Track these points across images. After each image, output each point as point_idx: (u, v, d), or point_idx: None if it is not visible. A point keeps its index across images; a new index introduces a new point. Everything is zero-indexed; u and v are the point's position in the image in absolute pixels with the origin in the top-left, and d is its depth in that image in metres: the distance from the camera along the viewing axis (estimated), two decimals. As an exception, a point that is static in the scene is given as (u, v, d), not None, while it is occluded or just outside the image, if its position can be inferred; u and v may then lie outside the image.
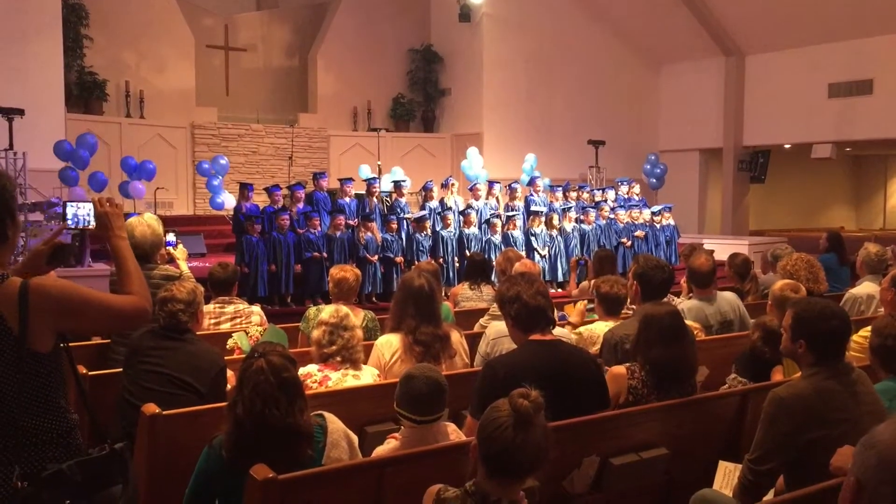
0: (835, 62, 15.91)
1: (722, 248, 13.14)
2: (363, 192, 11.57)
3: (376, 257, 10.37)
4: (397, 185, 11.86)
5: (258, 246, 9.74)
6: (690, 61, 18.19)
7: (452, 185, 11.98)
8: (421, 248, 10.65)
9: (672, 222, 13.62)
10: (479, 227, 11.34)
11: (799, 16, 15.47)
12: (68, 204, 8.47)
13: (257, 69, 17.11)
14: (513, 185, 12.37)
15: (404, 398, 3.01)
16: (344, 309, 3.96)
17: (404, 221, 10.99)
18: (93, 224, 2.86)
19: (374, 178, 11.65)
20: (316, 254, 10.01)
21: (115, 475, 2.19)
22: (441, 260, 10.71)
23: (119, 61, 14.83)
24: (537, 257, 11.41)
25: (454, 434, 3.12)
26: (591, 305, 5.60)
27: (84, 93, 14.12)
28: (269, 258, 9.79)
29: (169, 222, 12.82)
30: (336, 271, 5.11)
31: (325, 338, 3.82)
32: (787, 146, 17.81)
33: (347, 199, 11.31)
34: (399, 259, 10.49)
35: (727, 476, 3.33)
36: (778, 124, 16.95)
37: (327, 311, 3.94)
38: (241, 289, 9.57)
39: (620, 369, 3.65)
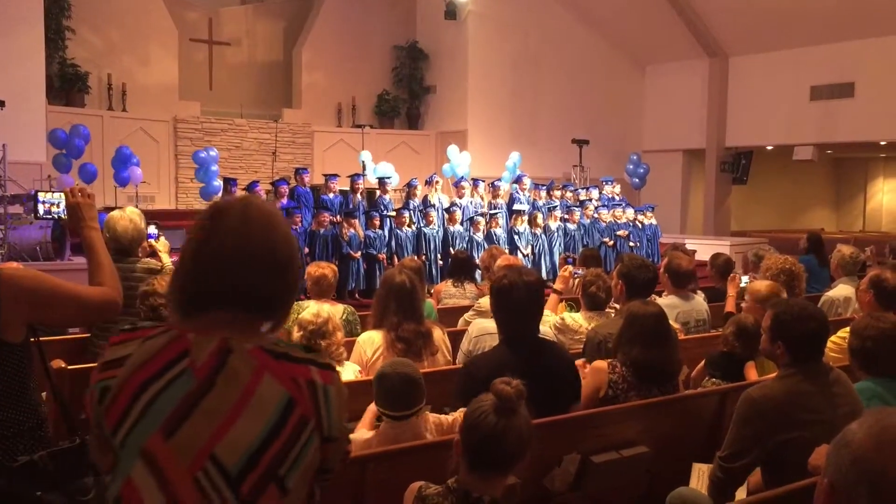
0: (817, 65, 16.05)
1: (703, 249, 13.28)
2: (347, 188, 11.54)
3: (359, 253, 10.35)
4: (381, 181, 11.84)
5: (240, 241, 9.68)
6: (675, 62, 18.28)
7: (437, 182, 11.99)
8: (400, 244, 10.63)
9: (654, 222, 13.68)
10: (463, 225, 11.35)
11: (782, 18, 15.58)
12: (38, 196, 8.26)
13: (241, 63, 17.01)
14: (495, 183, 12.37)
15: (379, 395, 3.02)
16: (325, 312, 3.91)
17: (387, 218, 10.98)
18: (64, 215, 2.84)
19: (357, 175, 11.62)
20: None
21: (86, 466, 2.18)
22: (424, 257, 10.71)
23: (101, 54, 14.70)
24: (520, 255, 11.42)
25: (434, 423, 3.11)
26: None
27: (66, 85, 13.99)
28: (251, 254, 9.73)
29: (151, 216, 12.92)
30: (314, 269, 5.07)
31: (303, 343, 3.80)
32: (769, 148, 17.95)
33: (332, 196, 11.28)
34: (381, 255, 10.48)
35: (700, 477, 3.36)
36: (760, 126, 17.09)
37: (308, 313, 3.90)
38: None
39: (602, 364, 3.67)
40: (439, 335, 4.28)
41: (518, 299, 3.25)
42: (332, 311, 4.09)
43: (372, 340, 4.12)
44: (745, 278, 6.76)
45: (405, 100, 17.98)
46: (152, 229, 4.93)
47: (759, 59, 17.03)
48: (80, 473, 2.17)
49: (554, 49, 17.43)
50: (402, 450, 2.81)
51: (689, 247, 14.60)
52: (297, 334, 3.87)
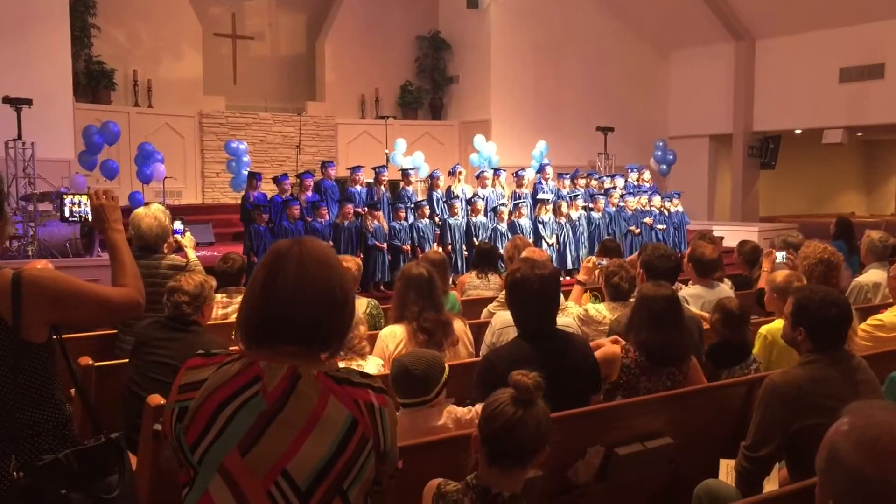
0: (846, 46, 15.75)
1: (731, 235, 13.13)
2: (372, 179, 11.56)
3: (385, 245, 10.37)
4: (405, 173, 11.84)
5: (265, 235, 9.75)
6: (700, 46, 18.05)
7: (459, 173, 11.96)
8: (423, 236, 10.63)
9: (681, 209, 13.55)
10: (486, 216, 11.32)
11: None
12: (64, 197, 8.46)
13: (265, 57, 17.10)
14: (519, 173, 12.32)
15: (391, 381, 3.03)
16: None
17: (411, 209, 10.99)
18: (89, 217, 2.88)
19: (382, 167, 11.63)
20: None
21: (111, 464, 2.21)
22: (449, 248, 10.71)
23: (126, 50, 14.85)
24: (545, 245, 11.38)
25: (452, 414, 3.11)
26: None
27: (92, 82, 14.15)
28: (276, 247, 9.79)
29: (177, 211, 13.06)
30: (338, 262, 5.08)
31: None
32: (797, 132, 17.68)
33: (358, 188, 11.31)
34: (406, 247, 10.48)
35: (729, 472, 3.33)
36: (788, 109, 16.83)
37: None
38: (248, 278, 9.63)
39: (615, 348, 3.66)
40: (460, 326, 4.28)
41: (532, 292, 3.23)
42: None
43: (394, 334, 4.13)
44: (779, 255, 6.67)
45: (428, 90, 17.96)
46: (178, 225, 4.98)
47: (786, 42, 16.76)
48: (105, 472, 2.19)
49: (577, 36, 17.29)
50: (420, 444, 2.81)
51: (716, 233, 14.41)
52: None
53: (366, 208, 10.66)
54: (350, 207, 10.36)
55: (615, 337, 3.77)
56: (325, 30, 17.21)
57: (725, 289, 5.51)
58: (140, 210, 4.52)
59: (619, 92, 17.75)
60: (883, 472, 1.37)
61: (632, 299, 4.94)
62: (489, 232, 11.03)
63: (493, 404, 2.22)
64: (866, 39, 15.44)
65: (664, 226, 12.97)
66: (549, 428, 2.20)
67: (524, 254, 5.47)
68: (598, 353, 3.55)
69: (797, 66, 16.58)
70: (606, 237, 11.69)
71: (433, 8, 18.04)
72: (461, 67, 17.71)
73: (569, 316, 5.02)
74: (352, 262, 5.15)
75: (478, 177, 12.20)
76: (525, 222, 11.42)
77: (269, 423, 1.65)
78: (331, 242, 10.05)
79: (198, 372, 1.75)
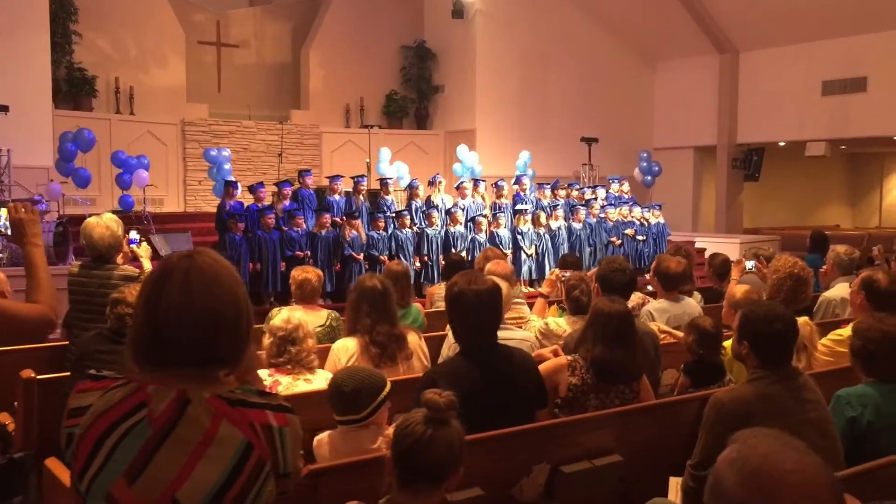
0: (829, 59, 15.83)
1: (714, 247, 13.12)
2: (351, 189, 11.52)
3: (361, 255, 10.31)
4: (384, 182, 11.80)
5: (241, 244, 9.69)
6: (685, 58, 18.10)
7: (439, 182, 11.92)
8: (401, 246, 10.58)
9: (662, 220, 13.55)
10: (465, 226, 11.28)
11: (792, 12, 15.38)
12: None
13: (249, 65, 17.04)
14: (499, 183, 12.29)
15: (329, 396, 2.97)
16: (296, 318, 3.86)
17: (390, 219, 10.94)
18: (6, 230, 2.82)
19: (361, 177, 11.58)
20: (299, 252, 9.95)
21: (14, 486, 2.15)
22: (426, 258, 10.67)
23: (109, 57, 14.77)
24: (524, 256, 11.35)
25: (388, 438, 3.05)
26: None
27: (73, 89, 14.06)
28: (252, 257, 9.74)
29: (158, 219, 13.03)
30: (298, 272, 5.03)
31: (273, 349, 3.76)
32: (781, 144, 17.73)
33: (337, 197, 11.26)
34: (384, 257, 10.43)
35: (678, 491, 3.29)
36: (772, 122, 16.89)
37: (279, 319, 3.85)
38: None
39: (561, 360, 3.61)
40: (415, 340, 4.23)
41: (469, 307, 3.17)
42: (304, 318, 4.03)
43: (346, 347, 4.06)
44: (749, 263, 6.67)
45: (413, 100, 17.94)
46: (134, 235, 4.91)
47: (769, 55, 16.83)
48: (9, 493, 2.14)
49: (562, 47, 17.31)
50: (340, 465, 2.75)
51: (699, 245, 14.47)
52: (267, 340, 3.83)
53: (343, 217, 10.62)
54: (327, 217, 10.32)
55: (555, 348, 3.73)
56: (311, 38, 17.18)
57: (692, 303, 5.48)
58: (91, 220, 4.46)
59: (604, 103, 17.77)
60: None
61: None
62: (467, 242, 10.99)
63: (404, 423, 2.17)
64: (849, 52, 15.51)
65: (644, 237, 12.96)
66: (462, 448, 2.14)
67: (487, 266, 5.43)
68: (542, 367, 3.50)
69: (780, 79, 16.65)
70: (589, 246, 11.72)
71: (419, 17, 18.05)
72: (446, 77, 17.70)
73: (531, 329, 4.99)
74: (312, 274, 5.08)
75: (457, 187, 12.16)
76: (504, 233, 11.38)
77: (156, 450, 1.59)
78: (308, 251, 9.98)
79: (85, 397, 1.69)
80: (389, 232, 10.72)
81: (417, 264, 10.68)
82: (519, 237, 11.50)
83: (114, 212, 13.04)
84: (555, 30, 17.15)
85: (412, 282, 9.96)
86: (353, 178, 11.61)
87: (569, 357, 3.65)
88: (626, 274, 4.09)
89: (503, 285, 4.61)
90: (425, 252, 10.76)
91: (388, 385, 3.13)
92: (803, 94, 16.29)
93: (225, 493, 1.59)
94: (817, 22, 15.34)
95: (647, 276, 6.39)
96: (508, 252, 11.33)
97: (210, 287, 1.68)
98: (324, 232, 10.21)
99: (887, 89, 15.04)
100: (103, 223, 4.43)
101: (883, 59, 15.07)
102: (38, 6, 12.20)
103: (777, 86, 16.71)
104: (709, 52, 17.56)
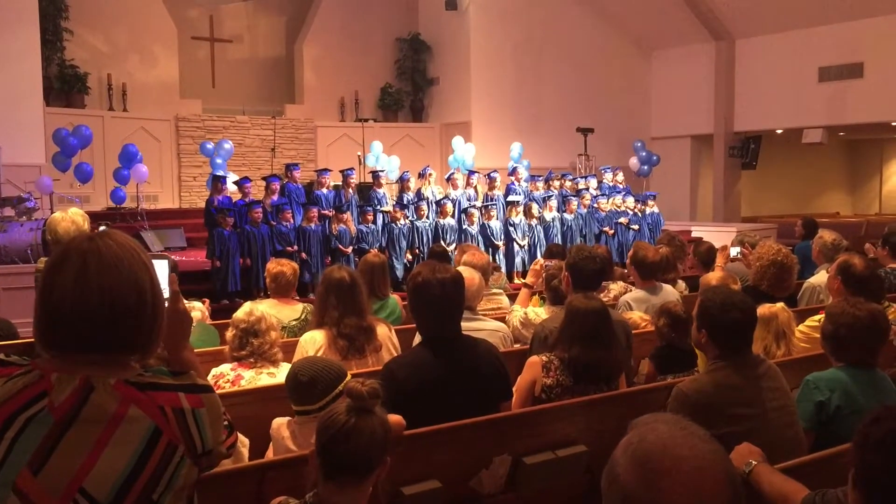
0: (825, 45, 15.70)
1: (711, 236, 13.02)
2: (340, 182, 11.48)
3: (350, 249, 10.27)
4: (375, 175, 11.76)
5: (230, 240, 9.66)
6: (680, 47, 17.99)
7: (430, 174, 11.87)
8: (393, 239, 10.54)
9: (656, 210, 13.48)
10: (457, 218, 11.23)
11: (788, -1, 15.29)
12: None
13: (243, 60, 17.00)
14: (492, 175, 12.23)
15: (286, 385, 2.93)
16: (258, 311, 3.81)
17: (380, 212, 10.90)
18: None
19: (349, 170, 11.53)
20: (288, 247, 9.91)
21: None
22: (416, 250, 10.62)
23: (101, 54, 14.73)
24: (516, 248, 11.30)
25: None
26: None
27: (65, 86, 14.03)
28: (241, 252, 9.71)
29: (151, 216, 13.01)
30: (273, 266, 5.00)
31: (236, 342, 3.73)
32: (778, 131, 17.62)
33: (325, 191, 11.21)
34: (374, 251, 10.38)
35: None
36: (769, 109, 16.78)
37: (241, 311, 3.81)
38: (212, 283, 9.55)
39: (536, 360, 3.56)
40: (384, 332, 4.19)
41: (432, 297, 3.11)
42: (271, 311, 4.00)
43: (314, 340, 4.03)
44: (734, 250, 6.65)
45: (408, 92, 17.87)
46: (103, 229, 4.87)
47: (765, 41, 16.70)
48: None
49: (557, 37, 17.22)
50: (300, 458, 2.71)
51: (695, 234, 14.38)
52: (229, 333, 3.79)
53: (332, 211, 10.57)
54: (315, 211, 10.27)
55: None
56: (304, 32, 17.12)
57: (671, 291, 5.42)
58: (57, 214, 4.43)
59: (600, 93, 17.69)
60: (649, 492, 1.21)
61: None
62: (456, 234, 10.94)
63: (327, 413, 2.12)
64: (845, 38, 15.39)
65: (638, 226, 12.89)
66: (387, 439, 2.08)
67: (464, 256, 5.40)
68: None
69: (777, 66, 16.53)
70: (581, 237, 11.66)
71: (413, 10, 17.97)
72: (441, 69, 17.63)
73: (513, 319, 4.95)
74: (287, 266, 5.05)
75: (448, 179, 12.11)
76: (496, 224, 11.33)
77: (60, 439, 1.55)
78: (296, 246, 9.92)
79: None
80: (380, 225, 10.68)
81: (409, 257, 10.64)
82: (511, 229, 11.45)
83: (108, 209, 13.26)
84: (549, 20, 17.06)
85: (400, 275, 9.97)
86: (341, 171, 11.57)
87: (543, 357, 3.58)
88: (597, 262, 4.02)
89: (476, 276, 4.58)
90: (416, 245, 10.72)
91: (348, 377, 3.08)
92: (800, 81, 16.18)
93: (135, 479, 1.57)
94: (813, 8, 15.22)
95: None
96: (500, 244, 11.29)
97: (108, 270, 1.62)
98: (312, 226, 10.17)
99: (884, 75, 14.92)
100: (69, 218, 4.40)
101: (879, 45, 14.94)
102: (27, 3, 12.13)
103: (773, 73, 16.60)
104: (704, 39, 17.44)
